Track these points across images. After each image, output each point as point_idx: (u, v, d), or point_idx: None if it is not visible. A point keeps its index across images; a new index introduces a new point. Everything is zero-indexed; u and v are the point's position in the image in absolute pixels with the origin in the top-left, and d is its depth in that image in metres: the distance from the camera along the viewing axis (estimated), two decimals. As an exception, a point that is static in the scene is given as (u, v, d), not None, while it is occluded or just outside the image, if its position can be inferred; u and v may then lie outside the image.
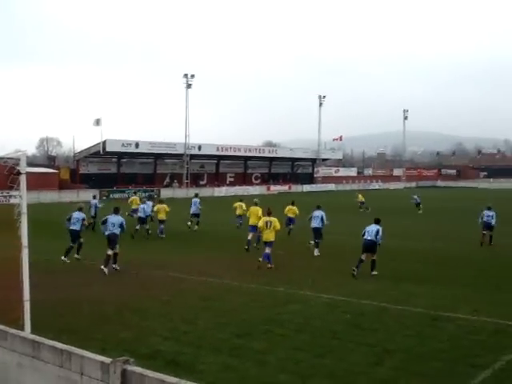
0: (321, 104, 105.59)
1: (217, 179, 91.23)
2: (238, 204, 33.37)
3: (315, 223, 24.51)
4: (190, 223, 33.61)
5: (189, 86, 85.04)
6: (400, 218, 42.10)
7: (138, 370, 4.99)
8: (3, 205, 38.85)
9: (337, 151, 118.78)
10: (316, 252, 23.94)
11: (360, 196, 51.05)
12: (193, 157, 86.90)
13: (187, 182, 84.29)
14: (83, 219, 22.79)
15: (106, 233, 20.29)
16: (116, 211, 20.92)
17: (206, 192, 75.56)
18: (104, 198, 69.04)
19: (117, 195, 71.36)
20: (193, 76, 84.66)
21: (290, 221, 30.69)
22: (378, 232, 19.42)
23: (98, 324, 12.88)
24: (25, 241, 9.40)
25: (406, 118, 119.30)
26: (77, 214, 22.60)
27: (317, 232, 24.51)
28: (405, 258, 23.29)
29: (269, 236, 21.01)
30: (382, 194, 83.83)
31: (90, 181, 75.98)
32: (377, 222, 19.99)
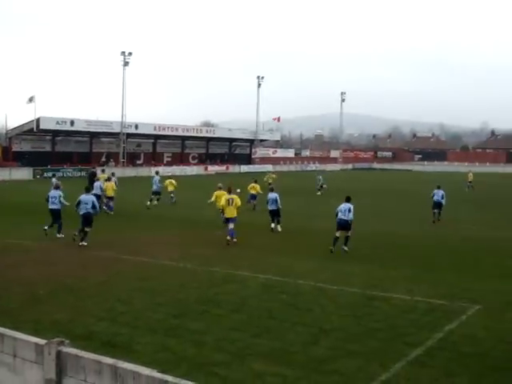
0: (259, 85, 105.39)
1: (154, 159, 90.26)
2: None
3: (272, 206, 25.46)
4: (149, 202, 34.26)
5: (126, 63, 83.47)
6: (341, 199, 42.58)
7: (74, 351, 4.91)
8: None
9: (275, 132, 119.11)
10: (279, 228, 25.31)
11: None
12: (129, 136, 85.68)
13: (123, 161, 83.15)
14: (60, 196, 22.77)
15: (81, 212, 20.97)
16: (87, 190, 22.16)
17: (143, 172, 74.78)
18: (38, 176, 67.66)
19: (51, 174, 69.88)
20: (130, 54, 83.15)
21: (252, 197, 33.99)
22: (349, 210, 20.41)
23: (31, 305, 12.65)
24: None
25: (343, 100, 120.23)
26: (53, 193, 22.85)
27: (275, 213, 25.46)
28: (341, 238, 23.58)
29: (232, 212, 22.21)
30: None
31: (23, 159, 74.12)
32: (347, 200, 20.96)
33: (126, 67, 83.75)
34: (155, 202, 34.50)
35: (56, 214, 22.60)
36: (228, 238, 21.67)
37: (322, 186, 48.42)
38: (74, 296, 13.52)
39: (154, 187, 35.20)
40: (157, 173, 37.31)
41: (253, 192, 34.03)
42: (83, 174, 69.48)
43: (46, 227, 22.35)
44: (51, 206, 22.66)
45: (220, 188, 26.17)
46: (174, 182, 36.79)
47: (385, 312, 12.63)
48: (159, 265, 17.45)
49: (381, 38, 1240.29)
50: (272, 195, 25.63)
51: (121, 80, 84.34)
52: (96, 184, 31.33)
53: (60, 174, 70.03)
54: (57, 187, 23.47)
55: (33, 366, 5.09)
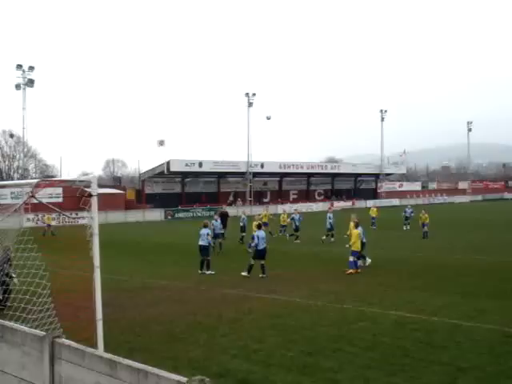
0: (382, 119, 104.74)
1: (280, 196, 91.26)
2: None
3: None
4: (324, 237, 36.69)
5: (250, 104, 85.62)
6: (466, 231, 41.25)
7: (214, 389, 5.01)
8: (73, 226, 39.76)
9: (400, 165, 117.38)
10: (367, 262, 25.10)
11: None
12: (255, 175, 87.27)
13: (250, 200, 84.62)
14: (208, 234, 25.07)
15: (259, 247, 22.92)
16: (259, 227, 23.78)
17: (270, 209, 75.57)
18: (169, 217, 70.03)
19: (181, 214, 72.20)
20: (254, 95, 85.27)
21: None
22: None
23: (169, 342, 13.02)
24: (96, 261, 9.59)
25: (470, 130, 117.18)
26: (203, 231, 24.89)
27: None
28: (472, 272, 22.78)
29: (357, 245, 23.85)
30: (447, 208, 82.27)
31: (154, 200, 77.13)
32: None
33: (251, 108, 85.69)
34: (332, 239, 36.51)
35: (204, 250, 24.38)
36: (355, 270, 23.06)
37: (406, 218, 46.92)
38: (208, 334, 13.79)
39: (327, 225, 37.57)
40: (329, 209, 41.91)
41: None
42: (211, 213, 71.35)
43: (200, 271, 23.98)
44: (200, 243, 24.59)
45: (355, 222, 25.88)
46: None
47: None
48: (290, 302, 17.48)
49: (507, 64, 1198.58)
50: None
51: (246, 120, 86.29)
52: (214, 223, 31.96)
53: (190, 214, 72.29)
54: (205, 226, 25.36)
55: (175, 403, 5.22)
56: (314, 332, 13.75)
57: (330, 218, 37.55)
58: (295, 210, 42.61)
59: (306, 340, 13.02)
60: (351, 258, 23.40)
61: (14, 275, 14.02)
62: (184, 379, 5.17)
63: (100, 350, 8.94)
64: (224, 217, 38.03)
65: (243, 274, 22.77)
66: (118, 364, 5.84)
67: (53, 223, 56.83)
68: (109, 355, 6.06)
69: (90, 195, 9.54)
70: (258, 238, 23.18)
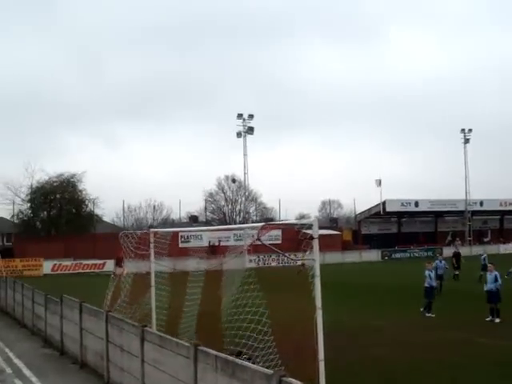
0: None
1: (501, 235, 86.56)
2: None
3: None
4: None
5: (467, 141, 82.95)
6: None
7: None
8: (291, 266, 40.77)
9: None
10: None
11: None
12: (474, 213, 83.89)
13: (470, 240, 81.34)
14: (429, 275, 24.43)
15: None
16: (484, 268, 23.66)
17: (491, 249, 71.99)
18: (386, 258, 69.43)
19: (398, 255, 71.22)
20: (470, 130, 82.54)
21: None
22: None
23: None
24: (318, 302, 9.81)
25: None
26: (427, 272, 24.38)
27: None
28: None
29: None
30: None
31: (371, 241, 76.94)
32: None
33: (467, 144, 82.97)
34: None
35: (427, 292, 23.86)
36: None
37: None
38: (427, 378, 13.43)
39: None
40: None
41: None
42: (429, 253, 69.50)
43: (424, 312, 23.49)
44: (426, 284, 24.05)
45: None
46: None
47: None
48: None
49: None
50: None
51: (462, 157, 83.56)
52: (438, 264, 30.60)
53: (407, 254, 71.08)
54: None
55: None
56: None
57: None
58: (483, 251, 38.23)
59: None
60: None
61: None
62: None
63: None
64: (457, 257, 37.93)
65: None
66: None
67: (273, 264, 58.91)
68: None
69: (312, 238, 9.83)
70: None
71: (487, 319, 21.55)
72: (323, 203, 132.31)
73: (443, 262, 31.72)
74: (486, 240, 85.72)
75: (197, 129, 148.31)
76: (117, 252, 16.94)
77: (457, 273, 34.42)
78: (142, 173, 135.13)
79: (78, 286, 33.61)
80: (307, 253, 10.02)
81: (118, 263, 20.52)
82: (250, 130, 73.45)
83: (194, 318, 15.37)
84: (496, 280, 21.74)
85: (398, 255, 71.13)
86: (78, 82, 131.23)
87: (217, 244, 60.43)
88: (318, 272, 9.77)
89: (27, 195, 70.06)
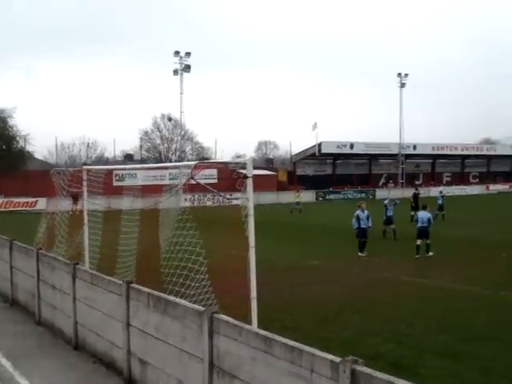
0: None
1: (433, 179, 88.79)
2: None
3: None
4: None
5: (402, 85, 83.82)
6: None
7: (368, 370, 5.05)
8: (226, 206, 40.96)
9: None
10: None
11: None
12: (408, 157, 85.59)
13: (402, 182, 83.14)
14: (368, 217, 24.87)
15: (418, 225, 23.44)
16: (424, 208, 24.55)
17: (422, 192, 73.80)
18: (320, 199, 70.36)
19: (332, 196, 72.28)
20: (406, 75, 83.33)
21: None
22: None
23: (320, 323, 13.17)
24: (252, 241, 9.84)
25: None
26: (360, 213, 24.76)
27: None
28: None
29: None
30: None
31: (306, 182, 77.68)
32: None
33: (403, 88, 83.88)
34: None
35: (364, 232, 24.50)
36: None
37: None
38: (360, 316, 13.81)
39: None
40: None
41: None
42: (363, 195, 70.79)
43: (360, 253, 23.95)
44: (362, 225, 24.51)
45: None
46: None
47: None
48: (443, 287, 17.05)
49: None
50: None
51: (398, 102, 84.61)
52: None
53: (341, 196, 72.20)
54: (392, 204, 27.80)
55: (328, 383, 5.33)
56: (467, 319, 13.36)
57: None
58: (440, 192, 41.78)
59: (459, 326, 12.68)
60: None
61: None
62: (337, 359, 5.26)
63: (254, 326, 9.21)
64: (415, 198, 39.95)
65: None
66: (273, 341, 6.03)
67: (208, 203, 58.98)
68: (265, 332, 6.27)
69: (246, 177, 9.80)
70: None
71: (417, 256, 22.56)
72: (260, 144, 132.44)
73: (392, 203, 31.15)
74: (417, 183, 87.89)
75: (132, 66, 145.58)
76: (72, 189, 16.57)
77: (412, 213, 35.29)
78: (75, 110, 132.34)
79: (9, 224, 32.90)
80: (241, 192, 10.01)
81: (74, 200, 20.09)
82: (187, 68, 72.33)
83: (133, 258, 15.26)
84: (429, 220, 23.52)
85: (332, 196, 72.20)
86: None
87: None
88: (251, 211, 9.78)
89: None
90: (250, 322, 9.40)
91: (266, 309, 12.06)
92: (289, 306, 14.87)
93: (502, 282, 17.67)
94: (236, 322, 6.72)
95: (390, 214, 29.67)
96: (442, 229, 30.07)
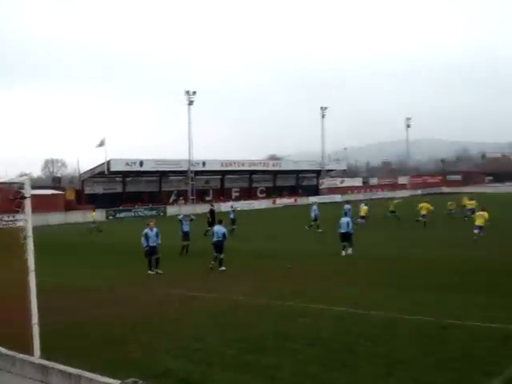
0: (323, 116, 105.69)
1: (222, 194, 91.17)
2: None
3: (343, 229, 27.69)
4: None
5: (190, 102, 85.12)
6: (405, 226, 42.03)
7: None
8: (11, 228, 38.80)
9: (341, 162, 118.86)
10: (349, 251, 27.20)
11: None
12: (197, 173, 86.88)
13: (193, 199, 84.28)
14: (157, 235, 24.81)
15: (214, 239, 24.34)
16: (220, 222, 25.57)
17: (217, 207, 75.43)
18: (110, 217, 69.19)
19: (123, 214, 71.44)
20: (194, 93, 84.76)
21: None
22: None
23: (108, 344, 12.84)
24: (31, 264, 9.38)
25: (408, 126, 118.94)
26: (149, 231, 24.60)
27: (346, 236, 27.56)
28: (411, 266, 23.21)
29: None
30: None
31: (96, 200, 75.98)
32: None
33: (191, 106, 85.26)
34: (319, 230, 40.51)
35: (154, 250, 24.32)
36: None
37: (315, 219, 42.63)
38: (151, 334, 13.68)
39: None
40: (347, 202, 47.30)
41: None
42: (154, 212, 70.74)
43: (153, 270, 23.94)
44: (151, 243, 24.36)
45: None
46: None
47: (460, 341, 12.23)
48: (232, 300, 17.46)
49: (444, 59, 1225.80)
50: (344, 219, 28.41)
51: (187, 119, 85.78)
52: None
53: (132, 213, 71.61)
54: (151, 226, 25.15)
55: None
56: (254, 330, 13.77)
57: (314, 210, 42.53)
58: (231, 206, 45.06)
59: (247, 338, 13.02)
60: None
61: None
62: (117, 382, 5.12)
63: (36, 354, 8.74)
64: (212, 214, 41.26)
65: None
66: (51, 369, 5.74)
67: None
68: (41, 360, 5.95)
69: (24, 197, 9.32)
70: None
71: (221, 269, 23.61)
72: (46, 162, 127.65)
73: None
74: (208, 199, 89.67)
75: None
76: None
77: (209, 228, 35.66)
78: None
79: None
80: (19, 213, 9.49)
81: None
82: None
83: None
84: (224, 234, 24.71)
85: (122, 214, 71.33)
86: None
87: None
88: (30, 233, 9.32)
89: None
90: (32, 351, 8.91)
91: (52, 334, 11.53)
92: (77, 328, 14.37)
93: (286, 292, 18.45)
94: (9, 352, 6.31)
95: (186, 229, 29.95)
96: (234, 243, 30.87)
